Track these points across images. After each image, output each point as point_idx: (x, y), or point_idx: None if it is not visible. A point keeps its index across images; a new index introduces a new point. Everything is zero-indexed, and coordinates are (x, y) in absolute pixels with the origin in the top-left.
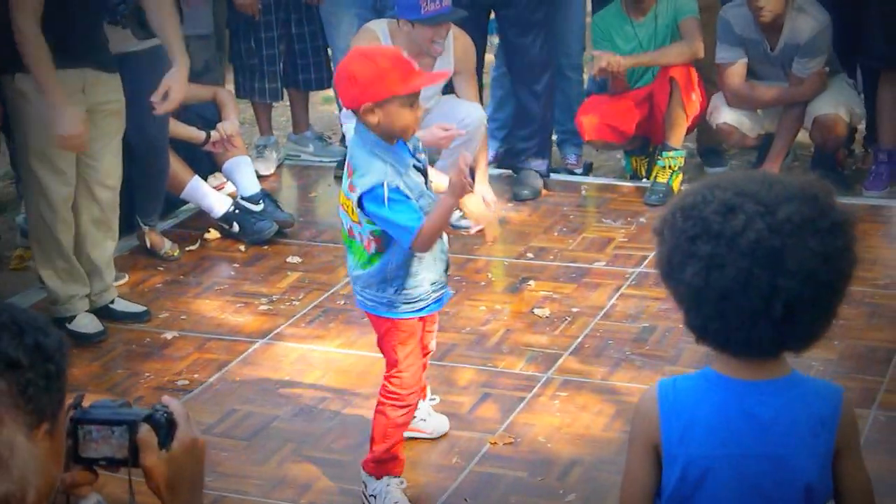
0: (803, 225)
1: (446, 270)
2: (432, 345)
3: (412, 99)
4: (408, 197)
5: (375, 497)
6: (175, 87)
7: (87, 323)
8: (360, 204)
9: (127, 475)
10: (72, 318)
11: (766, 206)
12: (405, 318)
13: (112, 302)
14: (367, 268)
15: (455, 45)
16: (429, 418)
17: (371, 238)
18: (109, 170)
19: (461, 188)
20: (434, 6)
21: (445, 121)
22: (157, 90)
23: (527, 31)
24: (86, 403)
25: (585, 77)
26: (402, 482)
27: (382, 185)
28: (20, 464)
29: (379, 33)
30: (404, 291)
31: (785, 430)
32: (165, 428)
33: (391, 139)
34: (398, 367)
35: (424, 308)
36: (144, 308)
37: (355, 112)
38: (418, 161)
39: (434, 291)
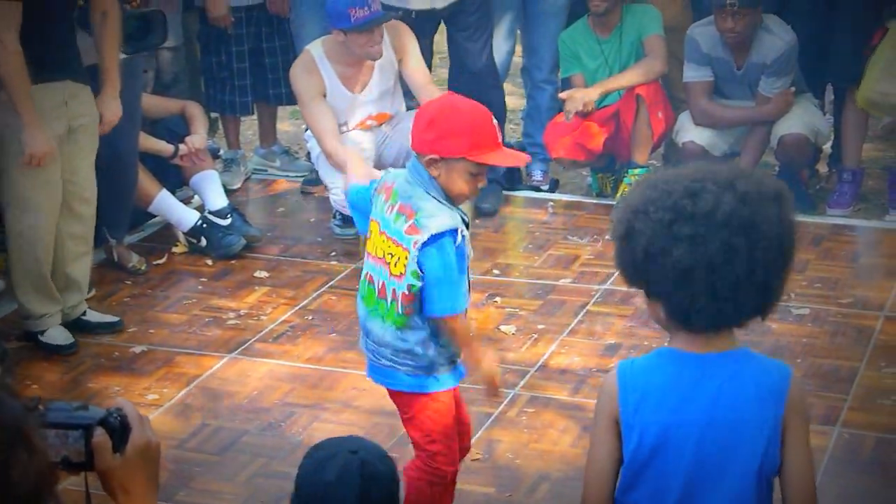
0: (761, 195)
1: None
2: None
3: (481, 169)
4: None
5: None
6: (105, 110)
7: (57, 335)
8: (424, 245)
9: (83, 479)
10: (43, 331)
11: (723, 183)
12: (442, 390)
13: (84, 314)
14: (404, 330)
15: (388, 36)
16: None
17: (409, 294)
18: (88, 184)
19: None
20: (363, 13)
21: (408, 142)
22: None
23: (475, 36)
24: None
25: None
26: None
27: (457, 232)
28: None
29: (314, 54)
30: (432, 345)
31: (733, 398)
32: (119, 431)
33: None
34: (442, 443)
35: (450, 378)
36: (118, 318)
37: (419, 155)
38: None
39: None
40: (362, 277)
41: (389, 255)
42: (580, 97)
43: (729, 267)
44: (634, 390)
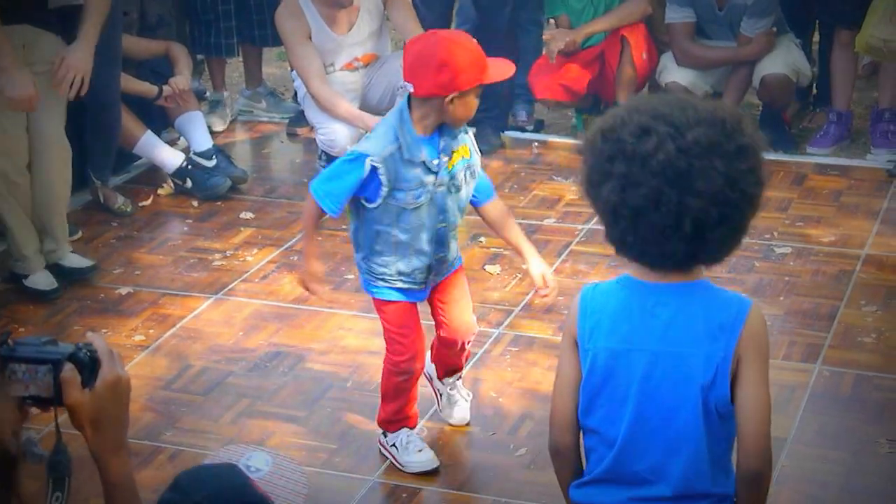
0: (710, 148)
1: (428, 274)
2: (461, 321)
3: (482, 87)
4: (371, 181)
5: (396, 447)
6: (70, 60)
7: (41, 280)
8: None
9: (54, 415)
10: (27, 275)
11: (677, 128)
12: (389, 300)
13: (61, 259)
14: (355, 247)
15: None
16: (452, 407)
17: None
18: (52, 133)
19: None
20: None
21: (392, 82)
22: (58, 69)
23: None
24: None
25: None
26: (421, 429)
27: (367, 156)
28: None
29: None
30: (370, 262)
31: (682, 329)
32: (89, 366)
33: (431, 129)
34: (395, 340)
35: (392, 291)
36: (93, 262)
37: (432, 98)
38: (436, 163)
39: (404, 284)
40: None
41: None
42: (563, 36)
43: (656, 214)
44: (592, 315)
